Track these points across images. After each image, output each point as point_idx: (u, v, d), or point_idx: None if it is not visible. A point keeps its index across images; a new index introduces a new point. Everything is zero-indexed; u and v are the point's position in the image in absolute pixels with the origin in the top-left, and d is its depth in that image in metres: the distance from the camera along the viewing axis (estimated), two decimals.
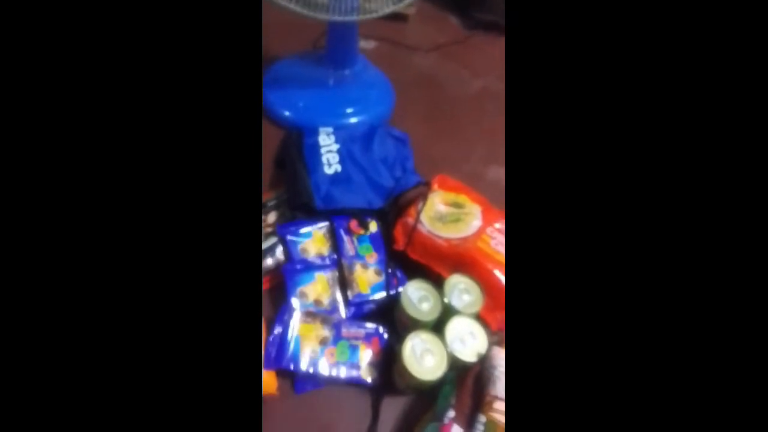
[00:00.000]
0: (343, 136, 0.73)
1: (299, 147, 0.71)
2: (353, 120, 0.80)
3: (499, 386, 0.46)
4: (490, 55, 1.05)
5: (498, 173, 0.81)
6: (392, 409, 0.52)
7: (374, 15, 0.69)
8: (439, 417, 0.47)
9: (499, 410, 0.45)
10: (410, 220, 0.62)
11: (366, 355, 0.54)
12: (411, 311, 0.53)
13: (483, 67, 1.02)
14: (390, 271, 0.60)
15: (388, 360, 0.54)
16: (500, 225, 0.61)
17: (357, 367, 0.53)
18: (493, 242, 0.59)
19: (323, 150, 0.71)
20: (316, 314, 0.56)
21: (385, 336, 0.56)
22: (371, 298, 0.58)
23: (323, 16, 0.67)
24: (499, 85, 0.99)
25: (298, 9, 0.66)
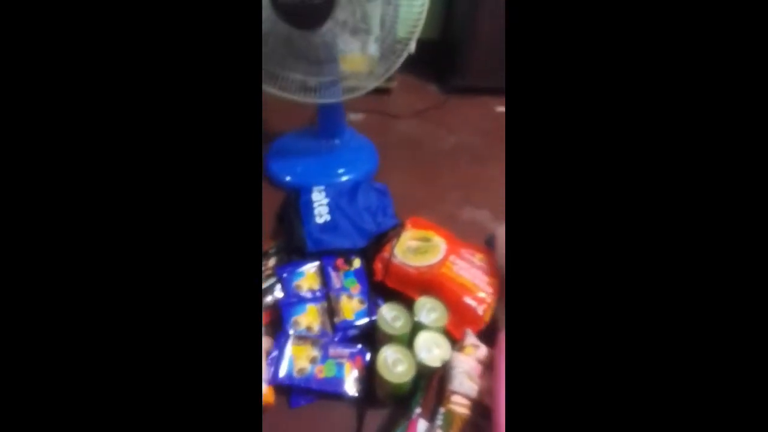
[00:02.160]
0: (332, 191, 0.87)
1: (296, 204, 0.85)
2: (344, 179, 0.95)
3: (455, 383, 0.54)
4: (464, 114, 1.21)
5: (471, 213, 0.92)
6: (374, 418, 0.60)
7: (359, 93, 0.81)
8: (409, 416, 0.55)
9: (456, 402, 0.52)
10: (386, 254, 0.72)
11: (350, 371, 0.63)
12: (385, 328, 0.62)
13: (458, 125, 1.17)
14: (371, 300, 0.70)
15: (370, 375, 0.62)
16: (463, 251, 0.71)
17: (343, 382, 0.62)
18: (455, 267, 0.68)
19: (315, 204, 0.84)
20: (307, 337, 0.66)
21: (367, 355, 0.64)
22: (355, 323, 0.68)
23: (312, 100, 0.83)
24: (472, 139, 1.13)
25: (291, 96, 0.81)
